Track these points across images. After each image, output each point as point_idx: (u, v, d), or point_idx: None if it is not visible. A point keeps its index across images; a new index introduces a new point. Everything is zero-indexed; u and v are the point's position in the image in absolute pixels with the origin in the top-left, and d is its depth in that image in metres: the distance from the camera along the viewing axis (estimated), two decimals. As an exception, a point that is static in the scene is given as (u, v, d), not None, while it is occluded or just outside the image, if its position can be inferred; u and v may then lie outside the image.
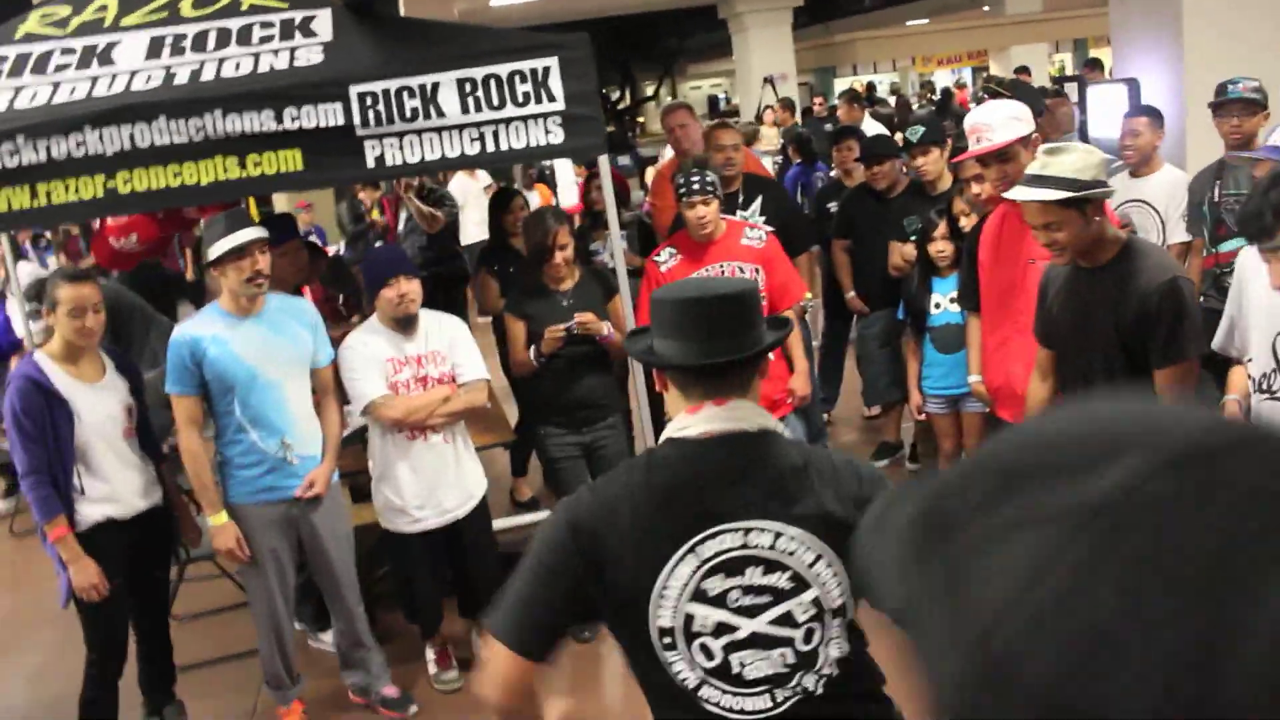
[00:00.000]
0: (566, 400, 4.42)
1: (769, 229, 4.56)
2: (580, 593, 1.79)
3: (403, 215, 7.62)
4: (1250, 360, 2.97)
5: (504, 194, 5.99)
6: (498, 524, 4.56)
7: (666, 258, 4.42)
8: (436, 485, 4.04)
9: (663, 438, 1.86)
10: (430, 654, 4.38)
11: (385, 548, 4.26)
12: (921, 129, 5.20)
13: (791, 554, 1.75)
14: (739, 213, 4.95)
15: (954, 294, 4.57)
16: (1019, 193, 2.94)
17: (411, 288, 3.94)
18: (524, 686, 1.81)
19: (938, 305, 4.64)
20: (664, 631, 1.77)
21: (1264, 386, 2.87)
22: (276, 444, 3.75)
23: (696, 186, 4.27)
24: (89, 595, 3.51)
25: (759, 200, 5.08)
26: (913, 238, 5.05)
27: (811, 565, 1.75)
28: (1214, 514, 0.41)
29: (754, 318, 1.82)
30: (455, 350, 4.10)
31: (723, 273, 4.31)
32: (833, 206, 6.02)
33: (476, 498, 4.16)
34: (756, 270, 4.35)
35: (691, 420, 1.80)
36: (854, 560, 0.61)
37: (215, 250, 3.61)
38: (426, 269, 5.75)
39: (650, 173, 9.29)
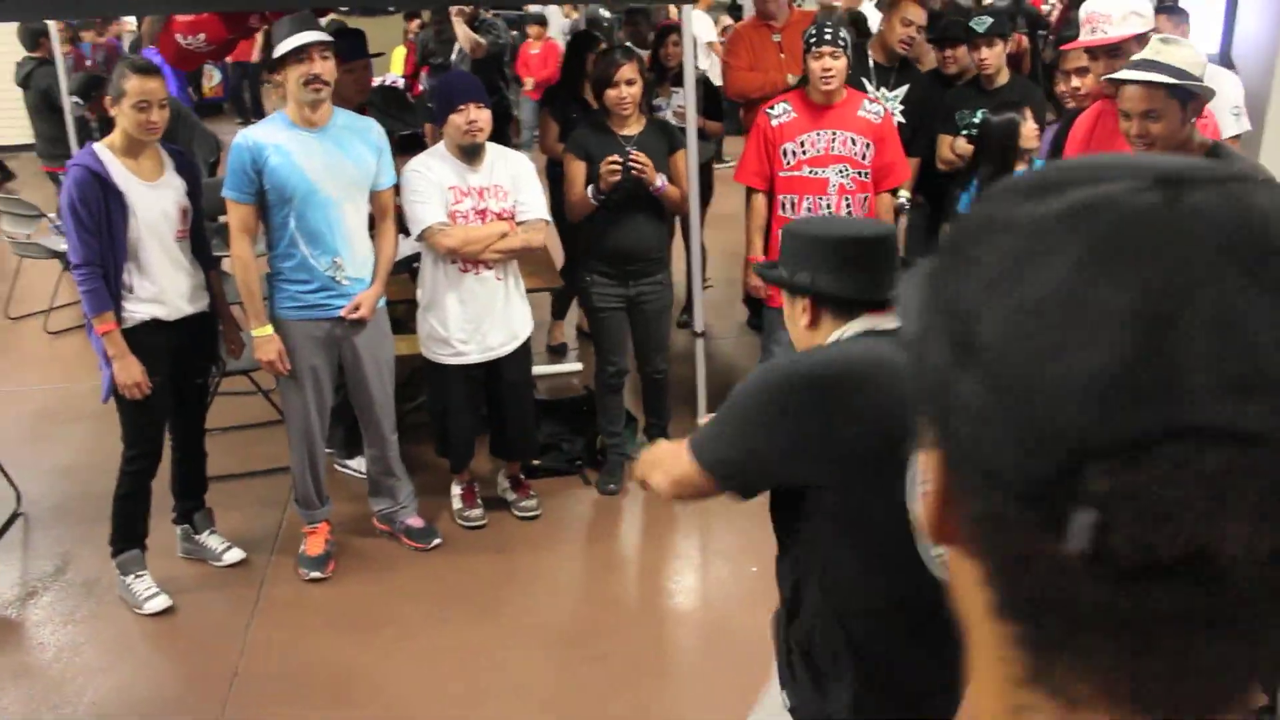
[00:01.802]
0: (616, 250, 4.35)
1: (888, 108, 4.43)
2: (802, 452, 1.74)
3: (453, 49, 7.43)
4: None
5: (585, 36, 5.82)
6: (535, 370, 4.54)
7: (780, 112, 4.30)
8: (483, 320, 4.01)
9: (848, 335, 1.85)
10: (456, 490, 4.41)
11: (423, 378, 4.25)
12: (989, 19, 5.01)
13: None
14: (882, 90, 4.80)
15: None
16: (1128, 73, 2.83)
17: (482, 116, 3.85)
18: (697, 495, 1.88)
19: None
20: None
21: None
22: (328, 262, 3.70)
23: (829, 37, 4.13)
24: (131, 393, 3.50)
25: (906, 88, 4.89)
26: (964, 132, 4.92)
27: None
28: (1175, 221, 0.48)
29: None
30: (519, 187, 4.02)
31: (833, 140, 4.21)
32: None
33: (520, 338, 4.13)
34: (868, 145, 4.26)
35: (872, 321, 1.84)
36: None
37: (278, 50, 3.51)
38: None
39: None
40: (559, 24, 10.48)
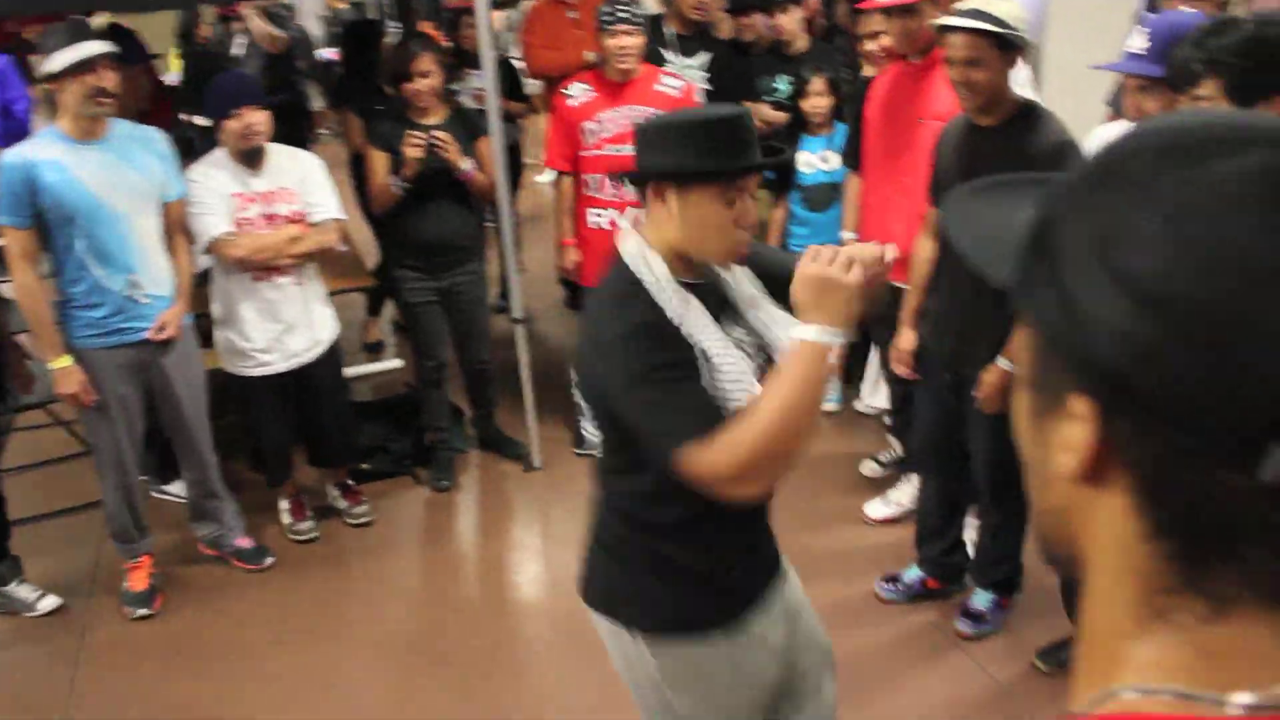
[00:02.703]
0: (425, 242, 4.27)
1: (688, 81, 4.43)
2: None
3: (238, 39, 7.09)
4: None
5: (366, 24, 5.64)
6: (349, 371, 4.42)
7: (578, 93, 4.27)
8: (283, 329, 3.86)
9: None
10: (284, 504, 4.26)
11: (229, 393, 4.07)
12: (784, -15, 5.11)
13: None
14: (679, 59, 4.78)
15: (825, 152, 4.58)
16: (954, 20, 2.91)
17: (258, 119, 3.69)
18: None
19: (809, 164, 4.64)
20: None
21: None
22: (124, 281, 3.48)
23: (624, 15, 4.12)
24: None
25: (706, 56, 4.86)
26: (767, 98, 5.03)
27: None
28: None
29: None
30: (308, 187, 3.88)
31: (632, 117, 4.19)
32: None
33: (325, 342, 4.00)
34: None
35: None
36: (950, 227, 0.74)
37: (56, 63, 3.26)
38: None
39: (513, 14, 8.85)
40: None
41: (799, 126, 4.65)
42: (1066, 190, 0.64)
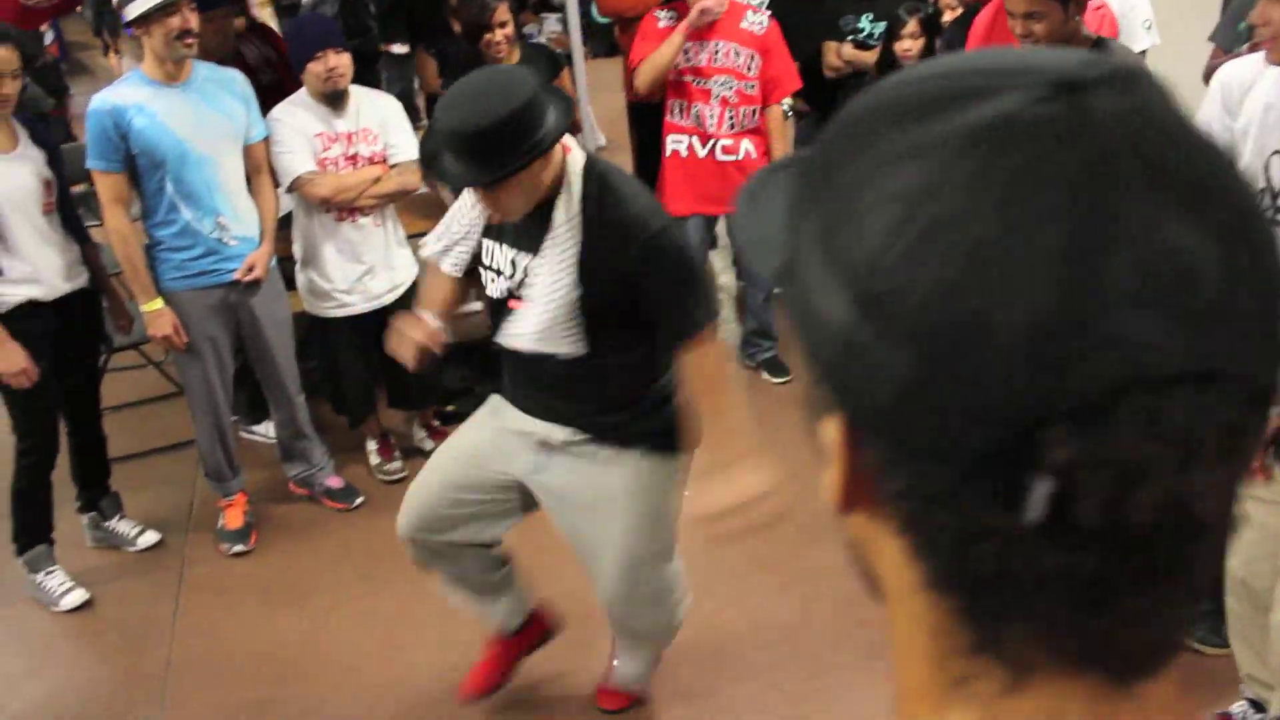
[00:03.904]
0: None
1: (769, 14, 4.35)
2: None
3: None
4: None
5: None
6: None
7: (666, 18, 4.21)
8: (364, 270, 3.88)
9: None
10: (372, 445, 4.30)
11: (312, 336, 4.11)
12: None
13: None
14: None
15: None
16: None
17: (341, 61, 3.69)
18: None
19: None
20: None
21: None
22: (211, 224, 3.51)
23: None
24: (17, 382, 3.28)
25: None
26: (849, 38, 4.89)
27: None
28: (1087, 137, 0.43)
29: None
30: (388, 129, 3.88)
31: (716, 52, 4.15)
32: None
33: (405, 285, 4.00)
34: (752, 56, 4.19)
35: None
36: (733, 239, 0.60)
37: (140, 6, 3.27)
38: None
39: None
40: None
41: (890, 68, 4.52)
42: (809, 163, 0.53)
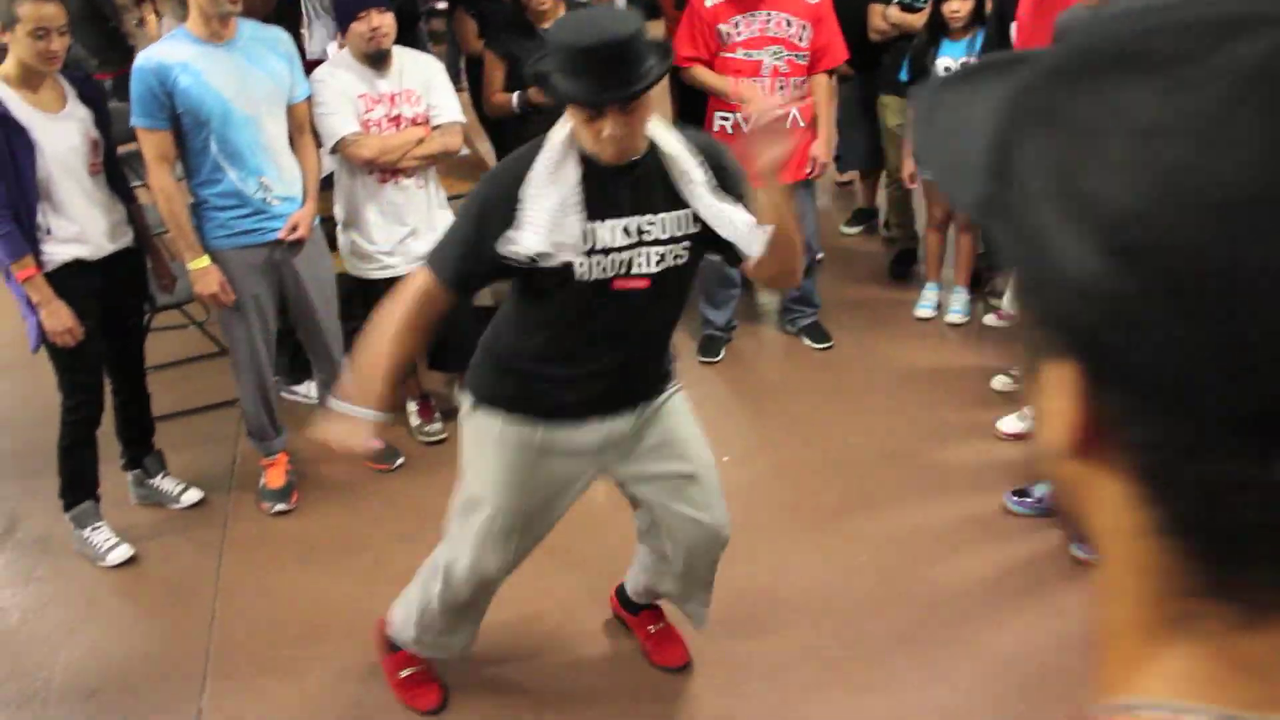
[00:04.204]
0: None
1: None
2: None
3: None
4: None
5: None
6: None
7: None
8: (407, 232, 3.87)
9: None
10: (412, 406, 4.31)
11: (352, 296, 4.11)
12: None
13: None
14: None
15: (965, 58, 4.39)
16: None
17: (384, 21, 3.67)
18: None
19: (946, 69, 4.45)
20: None
21: None
22: (255, 184, 3.51)
23: None
24: (63, 340, 3.30)
25: None
26: (895, 0, 4.82)
27: None
28: None
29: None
30: (431, 90, 3.86)
31: (769, 22, 4.10)
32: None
33: None
34: (804, 26, 4.14)
35: None
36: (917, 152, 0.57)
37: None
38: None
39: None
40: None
41: (939, 29, 4.45)
42: (1031, 88, 0.49)
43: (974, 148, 0.52)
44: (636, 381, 2.47)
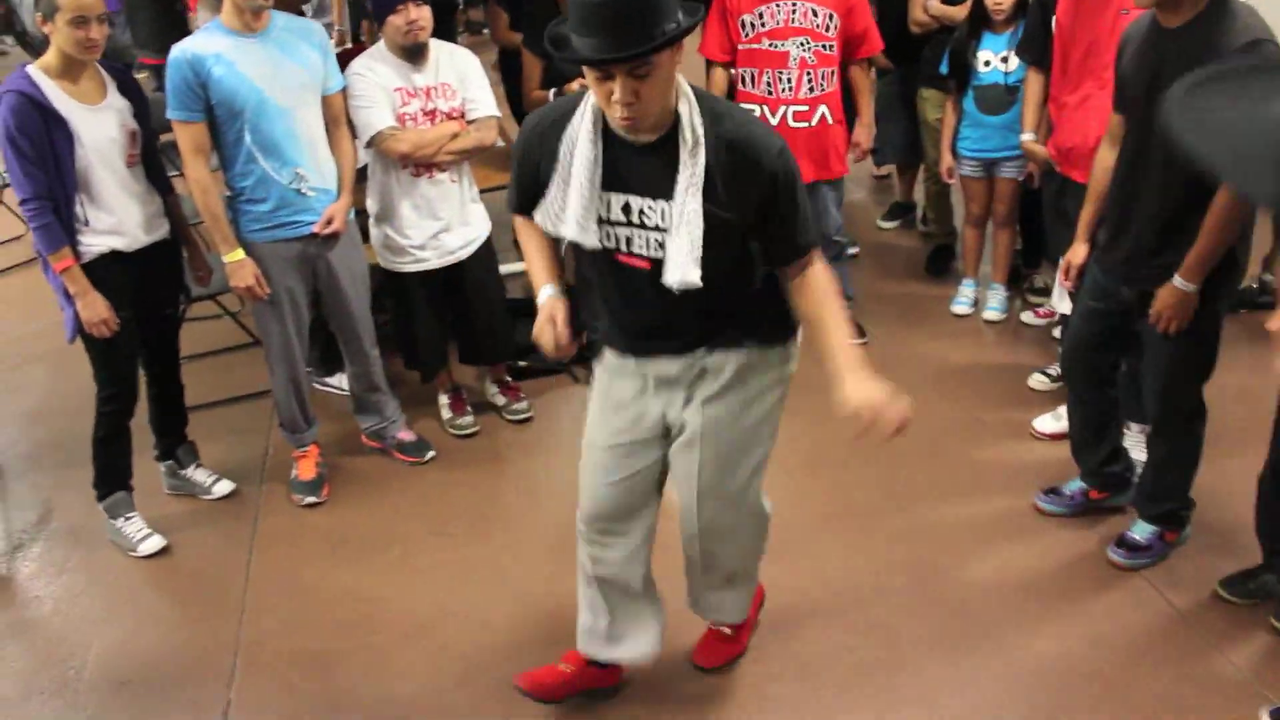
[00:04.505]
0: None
1: None
2: None
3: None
4: None
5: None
6: (504, 269, 4.41)
7: None
8: (440, 226, 3.86)
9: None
10: (444, 399, 4.31)
11: (385, 289, 4.11)
12: None
13: None
14: None
15: (1006, 52, 4.33)
16: None
17: (422, 14, 3.65)
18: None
19: (987, 63, 4.39)
20: None
21: None
22: (290, 175, 3.51)
23: None
24: (99, 330, 3.32)
25: None
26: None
27: None
28: None
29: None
30: (466, 84, 3.84)
31: (794, 11, 4.05)
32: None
33: (479, 240, 3.99)
34: (830, 16, 4.09)
35: None
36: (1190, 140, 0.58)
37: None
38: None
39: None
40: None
41: (981, 21, 4.39)
42: None
43: (1257, 144, 0.53)
44: (680, 335, 2.41)
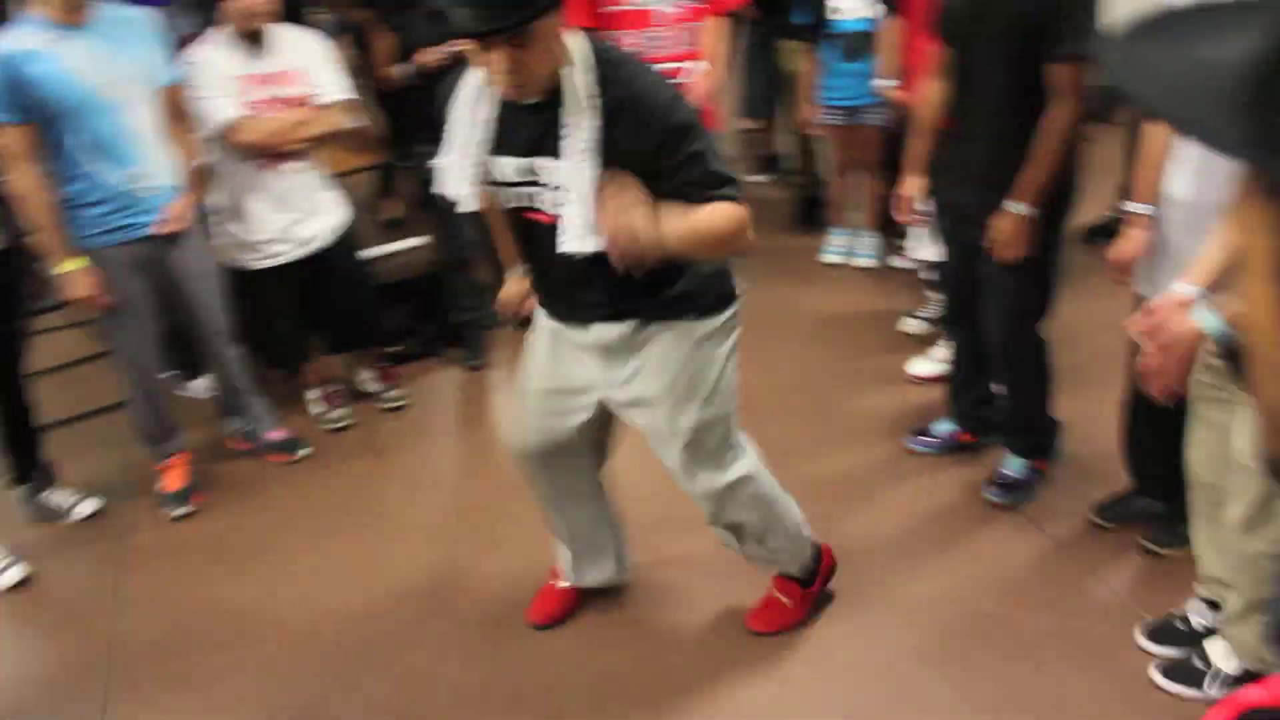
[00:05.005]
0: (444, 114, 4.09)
1: None
2: None
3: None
4: None
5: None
6: (368, 253, 4.30)
7: None
8: (292, 217, 3.73)
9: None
10: (313, 394, 4.19)
11: (235, 287, 3.96)
12: None
13: None
14: None
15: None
16: None
17: None
18: None
19: (836, 10, 4.38)
20: None
21: None
22: (121, 176, 3.32)
23: None
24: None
25: None
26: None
27: None
28: None
29: None
30: (313, 68, 3.69)
31: None
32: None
33: (336, 226, 3.87)
34: None
35: None
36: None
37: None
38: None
39: None
40: None
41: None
42: None
43: (1228, 88, 0.52)
44: (601, 298, 2.38)
